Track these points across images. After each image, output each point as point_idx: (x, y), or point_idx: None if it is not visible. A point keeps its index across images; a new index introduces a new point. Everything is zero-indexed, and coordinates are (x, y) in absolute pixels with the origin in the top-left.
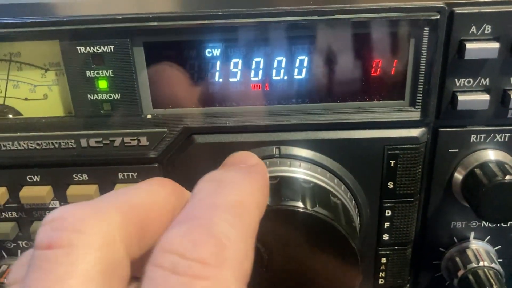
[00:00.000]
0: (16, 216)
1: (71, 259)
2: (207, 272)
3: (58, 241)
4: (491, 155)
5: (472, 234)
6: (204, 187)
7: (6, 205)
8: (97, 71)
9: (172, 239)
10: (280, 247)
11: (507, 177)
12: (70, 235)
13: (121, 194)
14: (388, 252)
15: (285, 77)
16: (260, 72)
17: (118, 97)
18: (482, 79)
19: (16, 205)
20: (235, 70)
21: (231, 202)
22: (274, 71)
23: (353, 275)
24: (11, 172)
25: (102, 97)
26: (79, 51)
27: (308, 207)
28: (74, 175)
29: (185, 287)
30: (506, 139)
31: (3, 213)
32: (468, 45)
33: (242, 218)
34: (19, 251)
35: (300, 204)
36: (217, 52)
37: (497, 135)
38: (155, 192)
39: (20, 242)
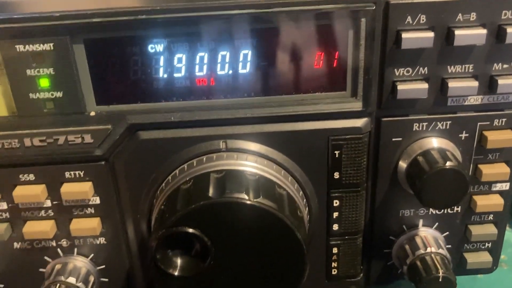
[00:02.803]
0: None
1: None
2: None
3: None
4: (434, 142)
5: (420, 222)
6: None
7: None
8: (38, 69)
9: None
10: (226, 239)
11: (448, 163)
12: None
13: None
14: (338, 242)
15: (230, 72)
16: (205, 67)
17: (61, 95)
18: (421, 68)
19: None
20: (179, 65)
21: None
22: (219, 65)
23: (300, 265)
24: None
25: (44, 95)
26: (18, 50)
27: (251, 198)
28: (20, 176)
29: None
30: (448, 127)
31: None
32: (404, 35)
33: None
34: None
35: (244, 196)
36: (160, 47)
37: (438, 123)
38: None
39: None
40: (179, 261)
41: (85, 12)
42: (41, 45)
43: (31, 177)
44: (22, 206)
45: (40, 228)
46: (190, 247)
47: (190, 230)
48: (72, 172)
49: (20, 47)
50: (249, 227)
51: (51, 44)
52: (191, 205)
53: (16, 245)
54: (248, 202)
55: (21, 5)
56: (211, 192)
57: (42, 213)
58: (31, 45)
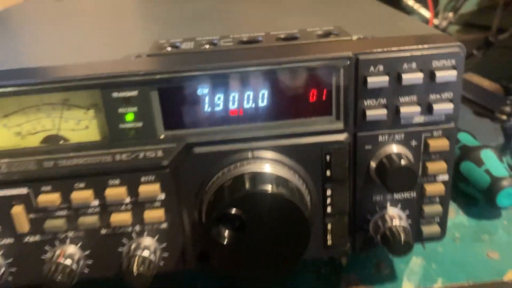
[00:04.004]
0: (66, 213)
1: None
2: None
3: None
4: (394, 148)
5: (388, 204)
6: None
7: (59, 206)
8: (126, 108)
9: None
10: (256, 218)
11: (402, 162)
12: None
13: None
14: (331, 220)
15: (253, 105)
16: (236, 102)
17: (141, 125)
18: (381, 100)
19: (67, 205)
20: (218, 102)
21: None
22: (245, 101)
23: (305, 237)
24: (63, 182)
25: (129, 125)
26: (113, 96)
27: (273, 189)
28: (109, 181)
29: None
30: (402, 138)
31: (56, 212)
32: (369, 79)
33: None
34: (67, 239)
35: (269, 188)
36: (205, 91)
37: (396, 135)
38: None
39: (68, 233)
40: (226, 234)
41: (159, 71)
42: (130, 92)
43: (117, 181)
44: (109, 203)
45: (121, 218)
46: (233, 224)
47: (234, 211)
48: (146, 177)
49: (115, 94)
50: (270, 210)
51: (136, 92)
52: (234, 195)
53: (103, 231)
54: (271, 191)
55: (116, 65)
56: (247, 186)
57: (123, 207)
58: (123, 92)
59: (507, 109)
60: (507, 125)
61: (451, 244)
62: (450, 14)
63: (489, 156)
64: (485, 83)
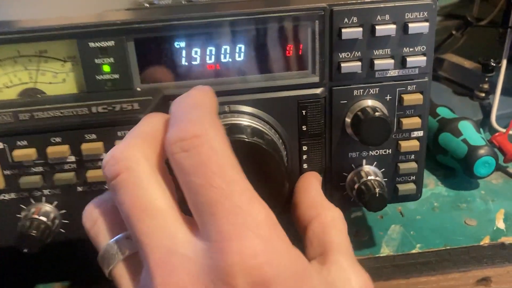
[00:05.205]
0: (42, 170)
1: (133, 173)
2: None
3: (118, 170)
4: (369, 102)
5: (364, 161)
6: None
7: (35, 161)
8: (103, 59)
9: (169, 136)
10: None
11: (376, 113)
12: (124, 163)
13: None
14: None
15: (230, 59)
16: (213, 56)
17: (117, 77)
18: (356, 52)
19: (43, 161)
20: (195, 56)
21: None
22: (222, 55)
23: (281, 188)
24: (39, 136)
25: (106, 77)
26: (90, 46)
27: (249, 138)
28: (85, 135)
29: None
30: (377, 92)
31: (32, 168)
32: (344, 30)
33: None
34: (43, 197)
35: (244, 136)
36: (182, 44)
37: (370, 89)
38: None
39: (44, 190)
40: None
41: (135, 20)
42: (106, 42)
43: (93, 136)
44: (86, 159)
45: (98, 174)
46: None
47: None
48: (123, 132)
49: (91, 44)
50: (247, 158)
51: (113, 42)
52: None
53: (79, 189)
54: (247, 140)
55: (88, 16)
56: None
57: (100, 163)
58: (99, 43)
59: (485, 86)
60: (485, 102)
61: (430, 213)
62: None
63: (466, 127)
64: (465, 63)
